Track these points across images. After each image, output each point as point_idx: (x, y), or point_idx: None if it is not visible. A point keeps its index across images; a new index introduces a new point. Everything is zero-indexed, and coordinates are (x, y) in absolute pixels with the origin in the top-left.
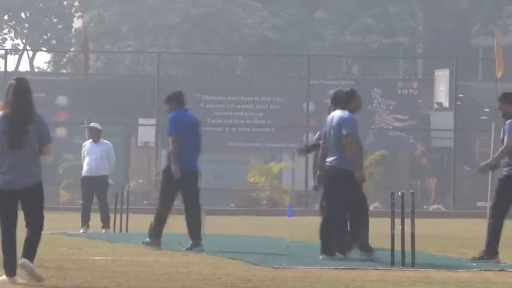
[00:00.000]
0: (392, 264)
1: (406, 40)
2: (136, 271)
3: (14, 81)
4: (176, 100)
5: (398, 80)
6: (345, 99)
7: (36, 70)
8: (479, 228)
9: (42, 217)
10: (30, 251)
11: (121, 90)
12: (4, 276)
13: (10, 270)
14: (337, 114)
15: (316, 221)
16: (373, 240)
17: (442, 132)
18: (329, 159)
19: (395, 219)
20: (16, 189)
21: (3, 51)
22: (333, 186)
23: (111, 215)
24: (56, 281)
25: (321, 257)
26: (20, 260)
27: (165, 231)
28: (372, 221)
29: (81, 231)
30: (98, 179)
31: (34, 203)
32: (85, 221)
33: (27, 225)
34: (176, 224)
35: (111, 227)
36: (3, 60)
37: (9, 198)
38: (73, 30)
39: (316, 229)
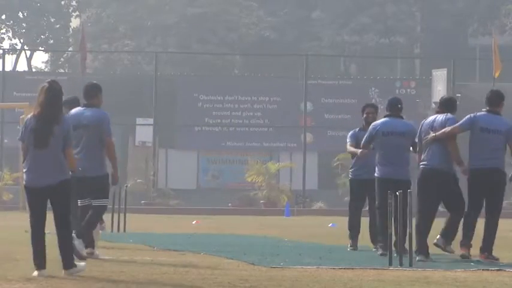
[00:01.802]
0: (390, 263)
1: (404, 40)
2: (134, 271)
3: (46, 84)
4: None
5: (396, 80)
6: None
7: (33, 70)
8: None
9: (66, 215)
10: (66, 258)
11: (119, 90)
12: (35, 272)
13: (39, 265)
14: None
15: (315, 221)
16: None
17: None
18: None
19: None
20: (39, 186)
21: (0, 51)
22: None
23: (109, 215)
24: (54, 280)
25: (418, 258)
26: (62, 272)
27: (163, 231)
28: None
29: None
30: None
31: (57, 201)
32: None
33: (55, 225)
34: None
35: (109, 227)
36: (1, 60)
37: (35, 195)
38: (70, 30)
39: (315, 229)
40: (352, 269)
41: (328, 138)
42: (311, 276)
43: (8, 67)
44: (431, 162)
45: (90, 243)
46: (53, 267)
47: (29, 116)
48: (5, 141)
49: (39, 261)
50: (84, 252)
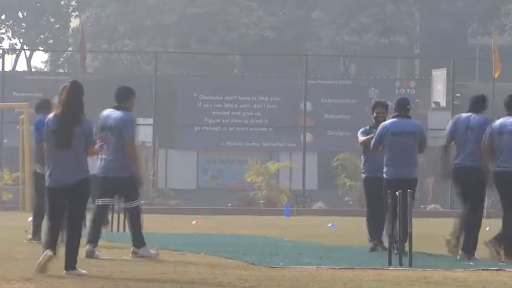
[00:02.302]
0: (390, 263)
1: (404, 40)
2: (133, 271)
3: (68, 84)
4: (46, 107)
5: (396, 80)
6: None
7: (33, 70)
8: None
9: (79, 215)
10: (70, 258)
11: None
12: (46, 252)
13: (50, 249)
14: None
15: (315, 221)
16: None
17: (439, 132)
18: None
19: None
20: (58, 187)
21: (0, 51)
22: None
23: (108, 215)
24: (54, 280)
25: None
26: (63, 272)
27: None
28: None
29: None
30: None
31: (74, 200)
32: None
33: (66, 224)
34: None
35: (109, 227)
36: (1, 59)
37: (54, 195)
38: (70, 29)
39: (314, 229)
40: (352, 269)
41: (328, 138)
42: (311, 276)
43: (8, 67)
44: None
45: (96, 240)
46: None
47: (50, 115)
48: (5, 141)
49: (52, 246)
50: (153, 252)
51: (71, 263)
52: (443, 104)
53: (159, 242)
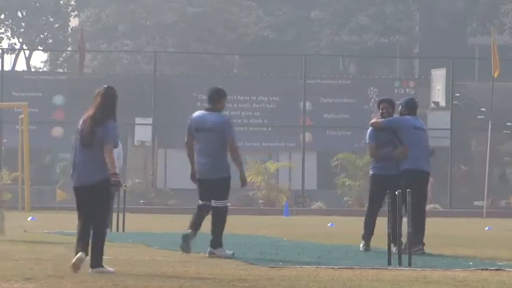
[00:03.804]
0: (389, 263)
1: (403, 40)
2: (132, 270)
3: (102, 89)
4: None
5: (395, 80)
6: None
7: (32, 69)
8: (476, 227)
9: (103, 215)
10: (95, 256)
11: (117, 90)
12: (78, 254)
13: (82, 250)
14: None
15: (314, 220)
16: (372, 240)
17: (438, 132)
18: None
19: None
20: (80, 185)
21: None
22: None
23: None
24: (53, 280)
25: None
26: (89, 270)
27: (162, 231)
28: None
29: None
30: None
31: (96, 200)
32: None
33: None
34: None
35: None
36: (0, 59)
37: (79, 194)
38: (69, 29)
39: (314, 229)
40: (351, 268)
41: (328, 138)
42: (310, 276)
43: (7, 67)
44: None
45: (196, 228)
46: (52, 266)
47: (84, 117)
48: (4, 140)
49: (81, 246)
50: (229, 253)
51: (94, 261)
52: (442, 103)
53: (158, 241)
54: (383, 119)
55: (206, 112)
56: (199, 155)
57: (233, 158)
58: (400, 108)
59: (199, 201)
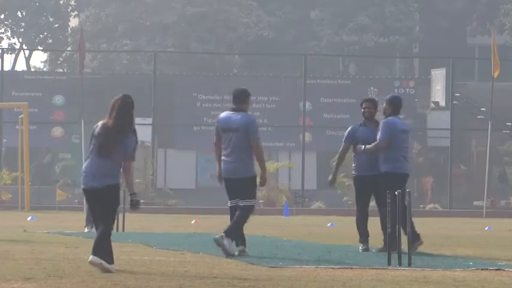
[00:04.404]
0: (389, 263)
1: (403, 39)
2: (132, 270)
3: (120, 98)
4: None
5: (395, 79)
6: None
7: (32, 69)
8: (475, 227)
9: (109, 217)
10: (97, 248)
11: (117, 90)
12: (91, 257)
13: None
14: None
15: (314, 220)
16: (371, 239)
17: (438, 132)
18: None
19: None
20: (88, 188)
21: None
22: None
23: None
24: (53, 280)
25: None
26: (89, 258)
27: (161, 230)
28: (369, 220)
29: (86, 230)
30: None
31: (103, 204)
32: (90, 220)
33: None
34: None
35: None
36: (0, 59)
37: (87, 196)
38: (69, 29)
39: (314, 228)
40: (351, 268)
41: (327, 138)
42: (310, 276)
43: (7, 67)
44: None
45: (242, 241)
46: (52, 266)
47: (99, 123)
48: (4, 140)
49: (101, 253)
50: (236, 251)
51: (97, 251)
52: (442, 103)
53: (158, 241)
54: (380, 139)
55: (232, 112)
56: (226, 154)
57: (257, 158)
58: (384, 105)
59: (229, 202)
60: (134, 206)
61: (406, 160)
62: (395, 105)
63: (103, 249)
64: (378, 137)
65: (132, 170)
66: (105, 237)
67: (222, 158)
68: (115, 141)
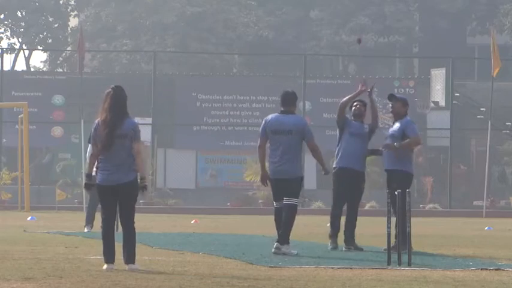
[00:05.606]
0: (389, 263)
1: (402, 39)
2: (132, 270)
3: (111, 90)
4: None
5: (395, 79)
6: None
7: (32, 69)
8: (475, 227)
9: (130, 215)
10: (129, 254)
11: None
12: (105, 265)
13: (108, 259)
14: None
15: (314, 220)
16: (371, 239)
17: (438, 131)
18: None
19: (392, 218)
20: (109, 185)
21: None
22: None
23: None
24: (53, 280)
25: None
26: (126, 267)
27: (161, 230)
28: (369, 220)
29: (86, 230)
30: None
31: (123, 201)
32: (90, 220)
33: (120, 222)
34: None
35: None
36: (0, 59)
37: (106, 193)
38: (69, 29)
39: (314, 228)
40: (351, 268)
41: (327, 138)
42: (310, 276)
43: (7, 66)
44: None
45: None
46: (52, 266)
47: (96, 121)
48: (4, 140)
49: (108, 255)
50: (293, 252)
51: (129, 258)
52: (442, 103)
53: (157, 241)
54: (416, 134)
55: (282, 115)
56: (276, 156)
57: (315, 156)
58: (392, 104)
59: (275, 203)
60: (141, 189)
61: None
62: (408, 107)
63: (134, 255)
64: (409, 134)
65: (141, 153)
66: (134, 240)
67: (270, 159)
68: (112, 134)
